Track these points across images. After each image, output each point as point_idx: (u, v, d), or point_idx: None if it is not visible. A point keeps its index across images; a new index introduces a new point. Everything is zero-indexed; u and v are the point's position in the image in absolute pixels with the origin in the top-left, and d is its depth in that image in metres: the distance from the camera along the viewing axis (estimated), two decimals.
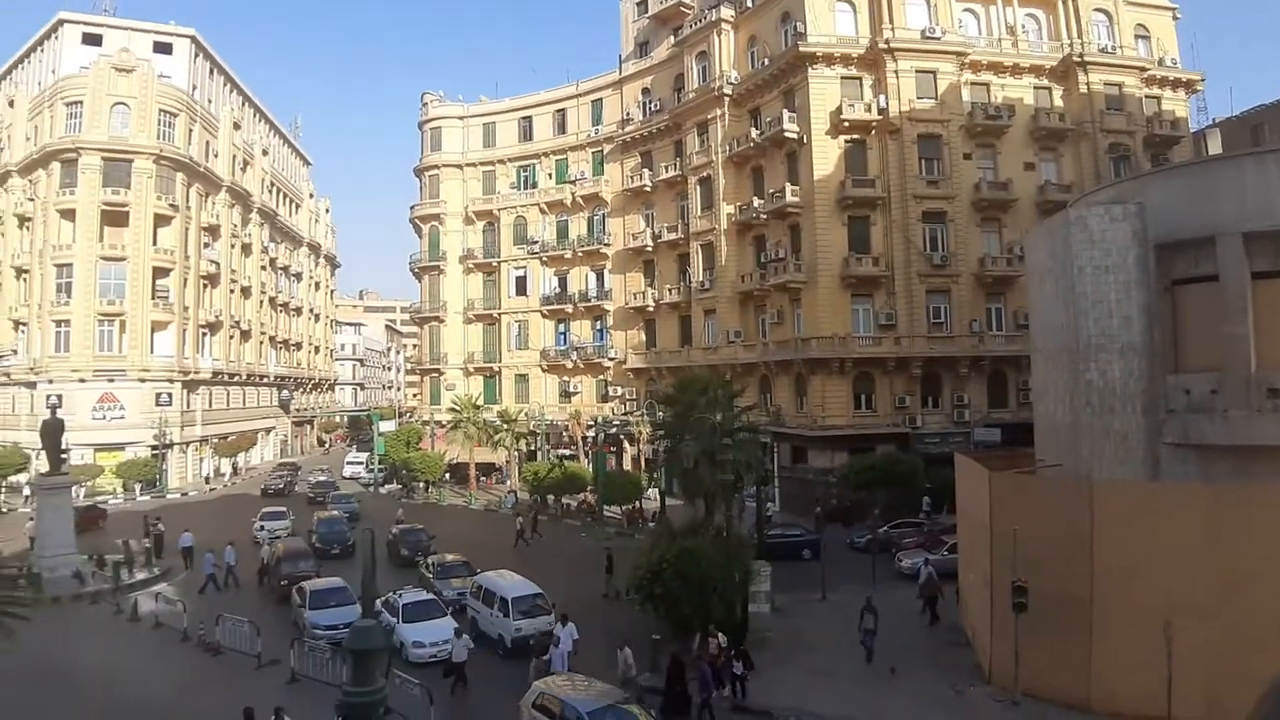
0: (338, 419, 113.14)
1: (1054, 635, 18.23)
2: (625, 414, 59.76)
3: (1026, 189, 48.15)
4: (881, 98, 47.04)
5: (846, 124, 46.91)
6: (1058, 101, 49.87)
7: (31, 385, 62.10)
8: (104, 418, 61.66)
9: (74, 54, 65.61)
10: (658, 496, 48.08)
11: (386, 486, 65.64)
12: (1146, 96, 51.20)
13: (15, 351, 64.03)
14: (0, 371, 64.36)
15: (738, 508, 32.09)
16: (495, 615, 24.75)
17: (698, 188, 56.39)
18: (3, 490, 56.08)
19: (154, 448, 61.58)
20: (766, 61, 51.00)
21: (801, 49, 47.05)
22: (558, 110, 67.73)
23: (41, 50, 69.64)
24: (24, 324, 65.08)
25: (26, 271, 65.15)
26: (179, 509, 51.69)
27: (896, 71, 47.02)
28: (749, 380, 49.49)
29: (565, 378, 65.38)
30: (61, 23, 66.44)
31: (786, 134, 47.96)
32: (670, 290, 58.31)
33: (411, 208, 71.97)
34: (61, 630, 26.25)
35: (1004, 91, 49.02)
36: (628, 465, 58.09)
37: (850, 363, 45.65)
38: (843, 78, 47.81)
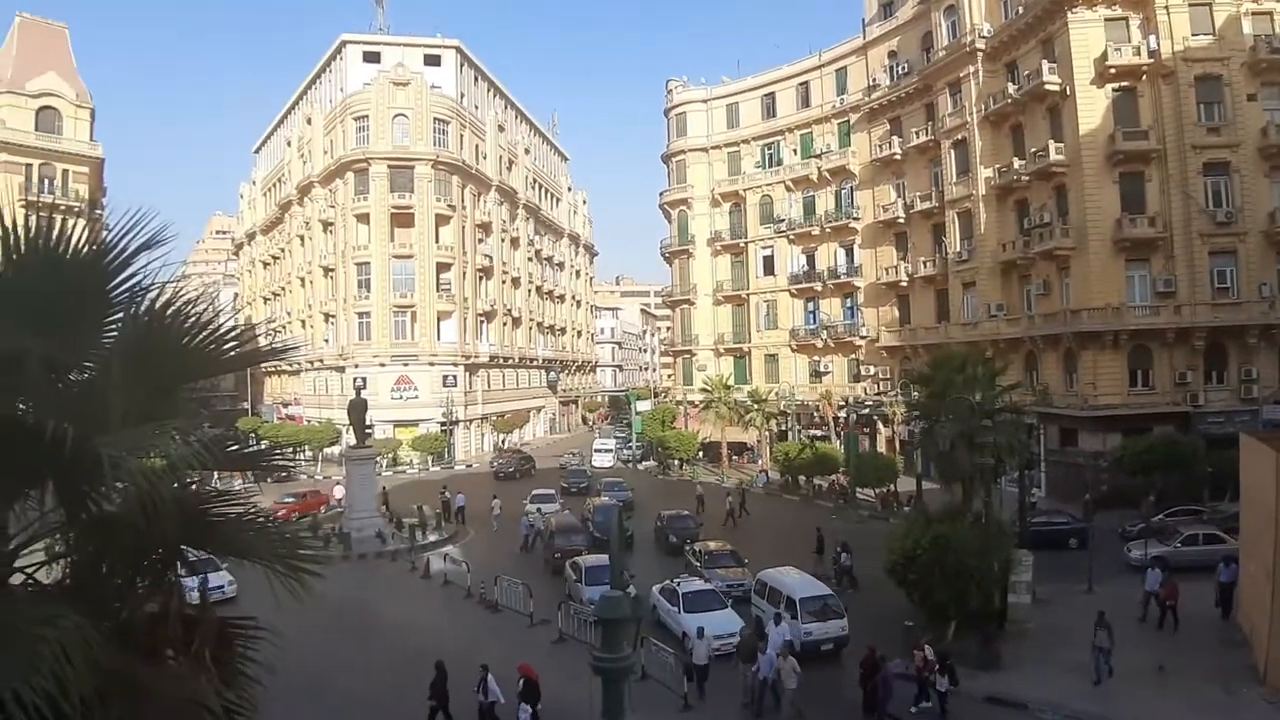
0: (599, 399, 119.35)
1: None
2: (878, 394, 58.17)
3: None
4: (1151, 38, 42.18)
5: (1113, 71, 42.56)
6: None
7: (340, 369, 70.82)
8: (401, 397, 69.40)
9: (357, 71, 73.30)
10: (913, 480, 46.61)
11: (644, 463, 68.61)
12: None
13: (327, 341, 73.75)
14: (315, 358, 74.29)
15: (999, 494, 30.56)
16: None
17: (951, 152, 53.41)
18: (319, 460, 64.80)
19: (442, 424, 68.85)
20: (1021, 9, 47.21)
21: None
22: (800, 83, 66.60)
23: (330, 71, 78.68)
24: (332, 316, 74.41)
25: (332, 270, 74.30)
26: (463, 479, 57.09)
27: (1167, 7, 41.99)
28: (1012, 357, 46.29)
29: (815, 357, 64.69)
30: (344, 44, 74.54)
31: (1047, 86, 44.28)
32: (925, 263, 55.82)
33: (660, 194, 74.14)
34: (367, 583, 30.81)
35: None
36: (881, 447, 56.55)
37: (1124, 335, 41.66)
38: (1106, 20, 43.39)
